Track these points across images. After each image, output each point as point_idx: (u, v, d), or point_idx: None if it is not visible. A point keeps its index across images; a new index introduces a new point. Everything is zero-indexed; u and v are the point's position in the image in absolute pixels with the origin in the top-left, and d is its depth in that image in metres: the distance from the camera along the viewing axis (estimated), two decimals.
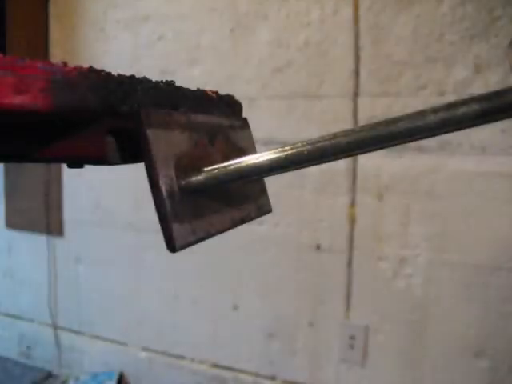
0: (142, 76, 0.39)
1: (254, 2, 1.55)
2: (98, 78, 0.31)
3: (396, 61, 1.37)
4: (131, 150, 0.33)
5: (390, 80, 1.38)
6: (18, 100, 0.26)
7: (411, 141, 0.36)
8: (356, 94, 1.42)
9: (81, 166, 0.36)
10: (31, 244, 2.06)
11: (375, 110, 1.39)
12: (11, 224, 2.09)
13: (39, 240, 2.02)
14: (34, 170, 1.97)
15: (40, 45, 1.87)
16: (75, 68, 0.30)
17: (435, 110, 0.34)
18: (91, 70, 0.31)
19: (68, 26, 1.88)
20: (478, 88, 1.27)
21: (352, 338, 1.50)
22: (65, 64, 0.30)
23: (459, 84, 1.30)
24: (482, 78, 1.28)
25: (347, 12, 1.42)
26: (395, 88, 1.37)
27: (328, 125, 1.44)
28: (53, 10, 1.90)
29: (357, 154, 0.38)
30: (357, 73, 1.42)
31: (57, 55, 1.89)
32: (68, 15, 1.88)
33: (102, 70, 0.32)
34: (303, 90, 1.49)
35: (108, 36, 1.81)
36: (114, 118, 0.32)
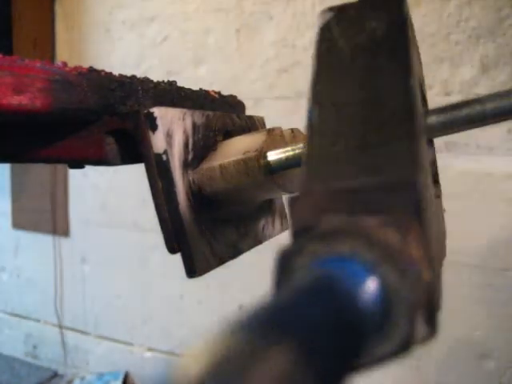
0: (143, 76, 0.38)
1: (260, 2, 1.55)
2: (98, 78, 0.31)
3: None
4: (131, 150, 0.33)
5: None
6: (16, 100, 0.26)
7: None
8: None
9: (82, 167, 0.36)
10: (37, 244, 2.07)
11: None
12: (18, 224, 2.10)
13: (45, 240, 2.03)
14: (41, 171, 1.98)
15: (46, 45, 1.88)
16: (75, 68, 0.29)
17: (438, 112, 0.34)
18: (91, 69, 0.31)
19: (74, 26, 1.88)
20: (485, 88, 1.26)
21: None
22: (65, 64, 0.30)
23: (466, 84, 1.30)
24: (488, 78, 1.27)
25: None
26: None
27: None
28: (59, 10, 1.91)
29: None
30: None
31: (63, 56, 1.90)
32: (74, 16, 1.88)
33: (103, 70, 0.32)
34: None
35: (114, 37, 1.81)
36: (114, 118, 0.32)
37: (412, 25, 0.33)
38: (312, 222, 0.19)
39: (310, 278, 0.15)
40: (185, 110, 0.35)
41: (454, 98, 1.30)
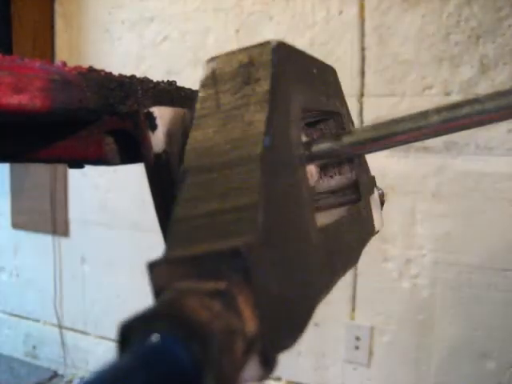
0: (143, 76, 0.38)
1: (260, 2, 1.55)
2: (97, 78, 0.31)
3: (402, 61, 1.36)
4: (131, 150, 0.33)
5: (395, 80, 1.37)
6: (16, 100, 0.26)
7: (415, 141, 0.36)
8: (361, 94, 1.42)
9: (81, 167, 0.36)
10: (37, 244, 2.07)
11: (381, 110, 1.39)
12: (17, 224, 2.10)
13: (45, 240, 2.02)
14: (40, 171, 1.98)
15: (46, 45, 1.88)
16: (75, 68, 0.29)
17: (438, 111, 0.34)
18: (91, 69, 0.31)
19: (73, 26, 1.88)
20: (485, 88, 1.26)
21: (357, 338, 1.49)
22: (64, 64, 0.30)
23: (465, 84, 1.30)
24: (488, 78, 1.27)
25: (353, 12, 1.41)
26: (401, 88, 1.37)
27: None
28: (58, 10, 1.91)
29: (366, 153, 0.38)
30: (362, 73, 1.41)
31: (62, 56, 1.90)
32: (73, 16, 1.88)
33: (102, 70, 0.32)
34: None
35: (113, 37, 1.81)
36: (114, 118, 0.32)
37: (304, 59, 0.34)
38: (159, 288, 0.23)
39: (129, 355, 0.19)
40: (185, 110, 0.35)
41: (454, 98, 1.31)
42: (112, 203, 1.87)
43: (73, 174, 1.92)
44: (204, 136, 0.28)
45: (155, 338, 0.19)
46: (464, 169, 1.32)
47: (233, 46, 1.40)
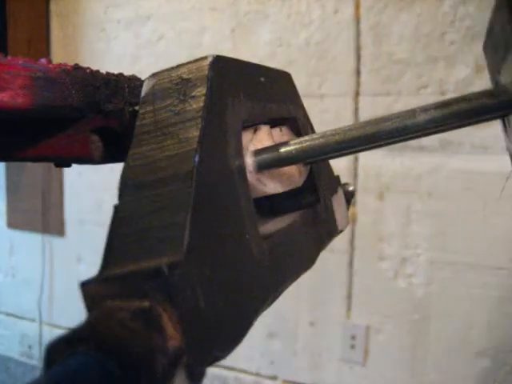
0: (134, 75, 0.38)
1: (255, 1, 1.55)
2: (82, 76, 0.31)
3: (397, 60, 1.36)
4: (118, 148, 0.33)
5: (390, 79, 1.37)
6: None
7: (402, 140, 0.36)
8: (357, 94, 1.42)
9: (68, 165, 0.35)
10: (33, 243, 2.06)
11: (376, 109, 1.39)
12: (13, 224, 2.09)
13: (40, 240, 2.02)
14: (36, 170, 1.98)
15: (41, 44, 1.87)
16: (59, 65, 0.29)
17: (426, 109, 0.34)
18: (76, 67, 0.31)
19: (69, 25, 1.88)
20: (479, 87, 1.26)
21: (353, 337, 1.49)
22: (49, 61, 0.29)
23: (460, 83, 1.30)
24: (483, 78, 1.27)
25: (348, 11, 1.41)
26: (396, 87, 1.37)
27: (329, 124, 1.43)
28: (54, 9, 1.90)
29: (349, 154, 0.38)
30: (358, 72, 1.41)
31: (58, 55, 1.89)
32: (69, 15, 1.88)
33: (88, 68, 0.31)
34: (304, 89, 1.48)
35: (109, 36, 1.81)
36: (99, 116, 0.31)
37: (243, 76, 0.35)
38: (90, 307, 0.24)
39: (46, 376, 0.19)
40: None
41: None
42: (108, 202, 1.87)
43: (68, 173, 1.91)
44: (142, 153, 0.29)
45: (75, 359, 0.20)
46: (459, 168, 1.32)
47: (229, 45, 1.40)
